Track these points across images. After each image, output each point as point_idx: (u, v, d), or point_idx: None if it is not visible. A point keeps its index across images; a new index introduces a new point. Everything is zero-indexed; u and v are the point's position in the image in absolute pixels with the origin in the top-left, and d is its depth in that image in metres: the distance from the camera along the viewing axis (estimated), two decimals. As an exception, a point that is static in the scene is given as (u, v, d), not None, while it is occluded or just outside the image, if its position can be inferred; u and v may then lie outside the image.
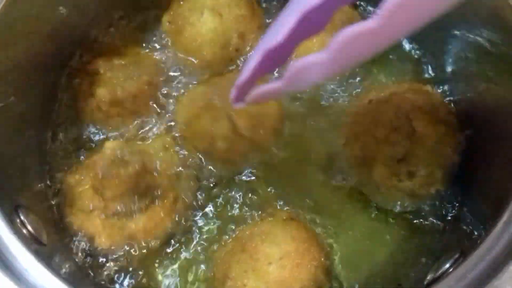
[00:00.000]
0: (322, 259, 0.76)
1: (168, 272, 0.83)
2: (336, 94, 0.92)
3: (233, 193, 0.87)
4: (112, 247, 0.79)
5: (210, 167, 0.87)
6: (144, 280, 0.82)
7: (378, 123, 0.80)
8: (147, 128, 0.89)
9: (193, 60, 0.92)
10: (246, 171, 0.88)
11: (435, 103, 0.83)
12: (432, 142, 0.79)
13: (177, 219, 0.82)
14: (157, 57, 0.94)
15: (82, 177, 0.82)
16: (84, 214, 0.80)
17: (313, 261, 0.73)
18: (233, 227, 0.84)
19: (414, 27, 0.54)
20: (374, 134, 0.80)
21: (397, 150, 0.79)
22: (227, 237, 0.83)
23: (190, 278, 0.83)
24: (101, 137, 0.90)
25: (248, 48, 0.92)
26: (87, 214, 0.79)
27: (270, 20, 0.96)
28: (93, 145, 0.90)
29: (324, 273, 0.75)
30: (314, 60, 0.54)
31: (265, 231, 0.76)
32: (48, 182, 0.86)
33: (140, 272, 0.82)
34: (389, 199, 0.83)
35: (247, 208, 0.86)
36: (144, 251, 0.81)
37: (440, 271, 0.67)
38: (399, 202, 0.83)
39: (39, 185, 0.84)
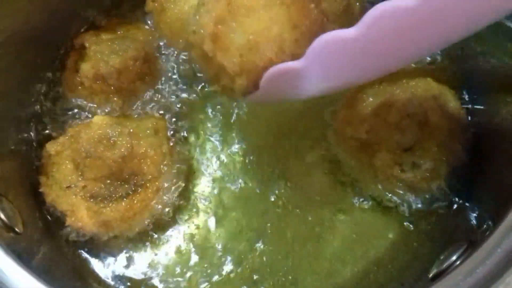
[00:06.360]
0: None
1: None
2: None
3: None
4: (82, 229, 0.76)
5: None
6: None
7: (391, 107, 0.75)
8: (133, 107, 0.85)
9: (178, 39, 0.86)
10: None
11: (448, 94, 0.79)
12: (443, 135, 0.76)
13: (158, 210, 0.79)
14: (147, 35, 0.89)
15: (64, 148, 0.76)
16: (59, 188, 0.75)
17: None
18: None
19: (408, 53, 0.51)
20: (385, 117, 0.75)
21: (407, 138, 0.75)
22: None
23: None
24: (85, 115, 0.85)
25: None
26: (63, 190, 0.75)
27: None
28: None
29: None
30: (289, 66, 0.52)
31: None
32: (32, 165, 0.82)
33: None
34: (386, 189, 0.79)
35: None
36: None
37: (446, 264, 0.64)
38: (395, 194, 0.80)
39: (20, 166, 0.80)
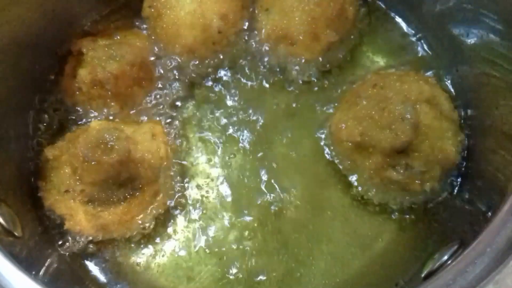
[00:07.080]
0: None
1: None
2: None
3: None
4: (81, 233, 0.76)
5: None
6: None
7: (384, 109, 0.76)
8: (130, 112, 0.85)
9: (174, 45, 0.86)
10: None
11: (441, 97, 0.80)
12: (436, 137, 0.76)
13: (156, 213, 0.79)
14: (143, 41, 0.90)
15: (62, 153, 0.77)
16: (58, 193, 0.76)
17: None
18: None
19: None
20: (378, 120, 0.76)
21: (400, 141, 0.75)
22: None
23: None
24: (83, 121, 0.86)
25: (233, 30, 0.87)
26: (61, 194, 0.76)
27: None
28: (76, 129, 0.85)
29: None
30: None
31: None
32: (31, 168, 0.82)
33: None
34: (380, 190, 0.80)
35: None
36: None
37: (438, 263, 0.65)
38: (389, 195, 0.80)
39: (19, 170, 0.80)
